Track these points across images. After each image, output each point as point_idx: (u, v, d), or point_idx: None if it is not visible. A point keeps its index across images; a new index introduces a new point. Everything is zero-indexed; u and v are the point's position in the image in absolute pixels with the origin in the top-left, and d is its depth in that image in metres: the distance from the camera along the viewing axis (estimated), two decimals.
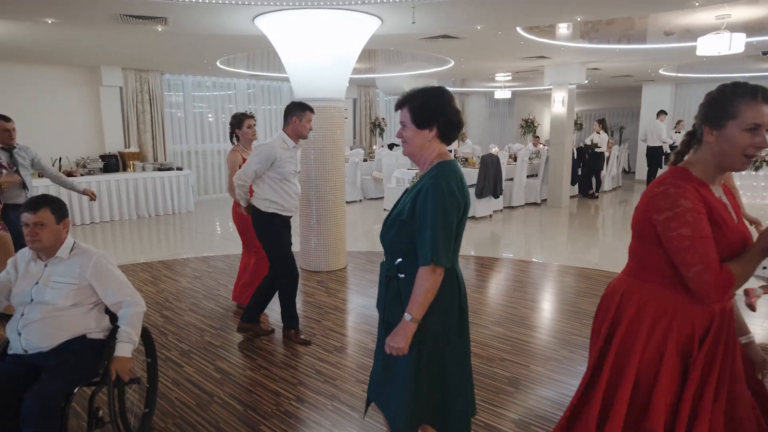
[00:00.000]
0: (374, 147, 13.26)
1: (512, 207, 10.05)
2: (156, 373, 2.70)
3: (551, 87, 10.57)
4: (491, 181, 8.78)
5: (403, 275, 1.95)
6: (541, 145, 12.53)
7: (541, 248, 7.19)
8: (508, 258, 6.47)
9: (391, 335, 1.90)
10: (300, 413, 2.93)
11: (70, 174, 8.74)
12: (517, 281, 5.50)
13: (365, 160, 11.48)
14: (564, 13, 5.54)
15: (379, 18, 5.32)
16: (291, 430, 2.77)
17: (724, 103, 1.57)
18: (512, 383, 3.26)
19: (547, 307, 4.77)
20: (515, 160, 10.24)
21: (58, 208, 2.39)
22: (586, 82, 11.01)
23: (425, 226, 1.84)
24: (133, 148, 10.07)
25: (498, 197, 9.25)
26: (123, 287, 2.43)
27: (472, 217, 8.74)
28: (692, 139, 1.70)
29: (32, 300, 2.33)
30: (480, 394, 3.09)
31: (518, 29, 6.50)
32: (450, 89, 11.04)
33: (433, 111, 1.90)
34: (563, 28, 7.21)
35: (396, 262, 1.97)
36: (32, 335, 2.27)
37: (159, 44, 7.19)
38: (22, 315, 2.32)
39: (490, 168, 8.74)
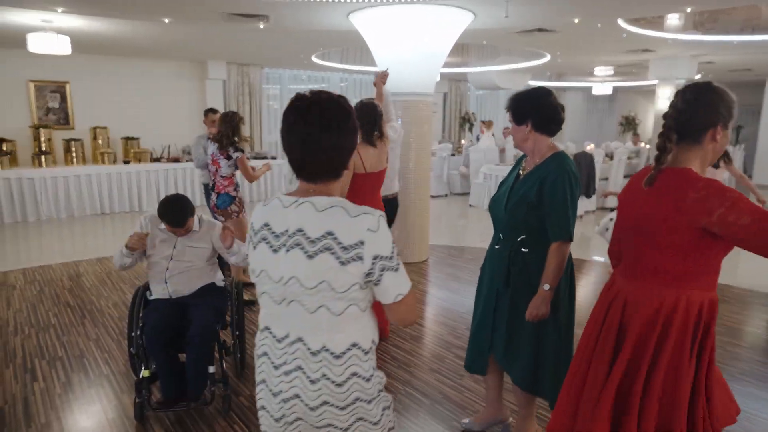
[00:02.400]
0: (463, 142, 13.15)
1: (605, 208, 9.58)
2: (242, 312, 3.19)
3: (657, 82, 9.92)
4: (584, 179, 8.43)
5: (526, 249, 2.23)
6: (642, 144, 11.79)
7: None
8: (598, 261, 6.20)
9: (533, 305, 2.17)
10: None
11: (176, 160, 9.55)
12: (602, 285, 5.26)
13: (453, 155, 11.42)
14: (671, 3, 5.19)
15: (472, 12, 5.29)
16: None
17: (731, 104, 1.64)
18: None
19: None
20: (611, 159, 9.74)
21: (191, 209, 2.91)
22: (698, 77, 10.19)
23: (559, 207, 2.14)
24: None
25: (590, 197, 8.86)
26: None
27: None
28: (670, 141, 1.67)
29: (172, 258, 2.86)
30: None
31: (619, 21, 6.17)
32: (545, 84, 10.69)
33: (525, 109, 2.21)
34: (673, 19, 6.71)
35: (519, 239, 2.24)
36: (177, 284, 2.88)
37: (261, 40, 7.63)
38: (167, 269, 2.85)
39: (583, 166, 8.38)
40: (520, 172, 2.32)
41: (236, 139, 4.52)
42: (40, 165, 8.47)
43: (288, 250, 1.32)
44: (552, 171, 2.17)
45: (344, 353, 1.34)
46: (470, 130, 13.76)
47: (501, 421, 2.68)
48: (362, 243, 1.27)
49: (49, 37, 6.43)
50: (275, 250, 1.34)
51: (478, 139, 12.24)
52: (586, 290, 5.12)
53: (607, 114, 17.84)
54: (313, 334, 1.34)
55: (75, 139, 8.95)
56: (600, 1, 5.10)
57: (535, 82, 13.28)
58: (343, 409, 1.36)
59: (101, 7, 5.39)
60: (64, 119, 9.34)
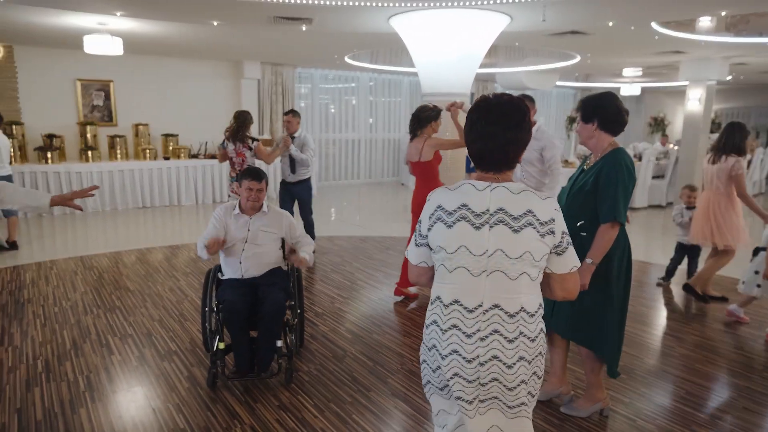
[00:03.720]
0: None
1: (634, 208, 9.65)
2: (302, 295, 3.42)
3: (687, 83, 9.94)
4: None
5: (585, 233, 2.58)
6: (671, 145, 11.79)
7: (663, 251, 6.91)
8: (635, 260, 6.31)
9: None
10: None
11: (212, 156, 9.91)
12: (634, 280, 5.40)
13: None
14: (707, 7, 5.31)
15: (509, 16, 5.48)
16: (414, 385, 3.13)
17: None
18: (623, 371, 3.35)
19: (665, 307, 4.68)
20: (640, 160, 9.80)
21: (266, 177, 3.27)
22: (729, 78, 10.18)
23: (611, 194, 2.46)
24: (266, 135, 11.09)
25: None
26: (299, 230, 3.41)
27: None
28: None
29: (247, 241, 3.17)
30: None
31: (653, 24, 6.29)
32: (572, 84, 10.70)
33: (593, 109, 2.56)
34: (705, 21, 6.79)
35: (578, 224, 2.59)
36: (249, 266, 3.19)
37: (298, 41, 7.90)
38: (243, 250, 3.16)
39: None
40: (584, 167, 2.70)
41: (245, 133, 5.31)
42: (86, 160, 8.90)
43: (492, 227, 1.53)
44: (608, 163, 2.52)
45: (536, 311, 1.59)
46: None
47: (562, 393, 2.96)
48: (553, 220, 1.55)
49: (104, 38, 6.79)
50: (477, 227, 1.53)
51: None
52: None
53: (634, 115, 17.74)
54: (512, 299, 1.54)
55: (118, 136, 9.37)
56: (636, 5, 5.24)
57: (562, 83, 13.35)
58: (530, 362, 1.58)
59: (157, 10, 5.72)
60: (107, 116, 9.76)
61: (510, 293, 1.54)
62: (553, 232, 1.54)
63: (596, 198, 2.51)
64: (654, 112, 16.76)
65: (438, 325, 1.60)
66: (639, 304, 4.69)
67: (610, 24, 6.06)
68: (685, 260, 5.16)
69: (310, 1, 5.08)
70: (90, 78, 9.47)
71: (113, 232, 7.43)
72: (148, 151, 9.43)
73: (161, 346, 3.62)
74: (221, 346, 3.00)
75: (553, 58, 9.88)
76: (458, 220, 1.55)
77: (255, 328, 3.06)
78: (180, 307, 4.37)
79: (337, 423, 2.73)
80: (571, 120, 11.01)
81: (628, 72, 11.93)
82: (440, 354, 1.59)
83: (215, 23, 6.25)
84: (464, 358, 1.55)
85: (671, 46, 7.99)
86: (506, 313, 1.54)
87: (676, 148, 11.01)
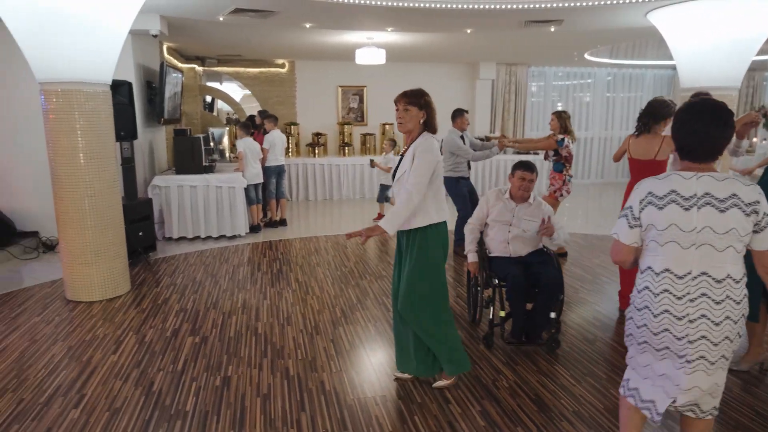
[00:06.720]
0: (755, 140, 11.46)
1: None
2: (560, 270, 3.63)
3: None
4: None
5: None
6: None
7: None
8: None
9: None
10: None
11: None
12: None
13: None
14: None
15: None
16: None
17: None
18: None
19: None
20: None
21: (537, 170, 3.63)
22: None
23: None
24: (496, 133, 11.49)
25: None
26: (555, 218, 3.64)
27: None
28: None
29: (511, 224, 3.60)
30: None
31: None
32: None
33: None
34: None
35: None
36: (516, 246, 3.63)
37: (539, 41, 8.06)
38: (509, 231, 3.60)
39: None
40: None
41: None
42: (343, 154, 10.49)
43: (699, 208, 1.82)
44: None
45: (741, 279, 1.86)
46: (765, 126, 11.93)
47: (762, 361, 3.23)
48: (758, 202, 1.81)
49: (371, 50, 7.97)
50: (686, 209, 1.83)
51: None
52: None
53: None
54: (718, 268, 1.83)
55: (369, 134, 10.79)
56: None
57: None
58: (736, 322, 1.85)
59: (423, 24, 6.52)
60: (360, 117, 11.29)
61: (717, 263, 1.80)
62: (756, 212, 1.80)
63: None
64: None
65: (650, 290, 1.89)
66: None
67: None
68: None
69: (564, 4, 5.25)
70: (348, 84, 11.08)
71: (360, 216, 8.62)
72: None
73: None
74: (502, 314, 3.49)
75: None
76: (668, 203, 1.84)
77: (530, 300, 3.43)
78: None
79: (595, 393, 2.98)
80: None
81: None
82: (652, 313, 1.88)
83: (468, 31, 6.83)
84: (674, 316, 1.83)
85: None
86: (714, 279, 1.80)
87: None
